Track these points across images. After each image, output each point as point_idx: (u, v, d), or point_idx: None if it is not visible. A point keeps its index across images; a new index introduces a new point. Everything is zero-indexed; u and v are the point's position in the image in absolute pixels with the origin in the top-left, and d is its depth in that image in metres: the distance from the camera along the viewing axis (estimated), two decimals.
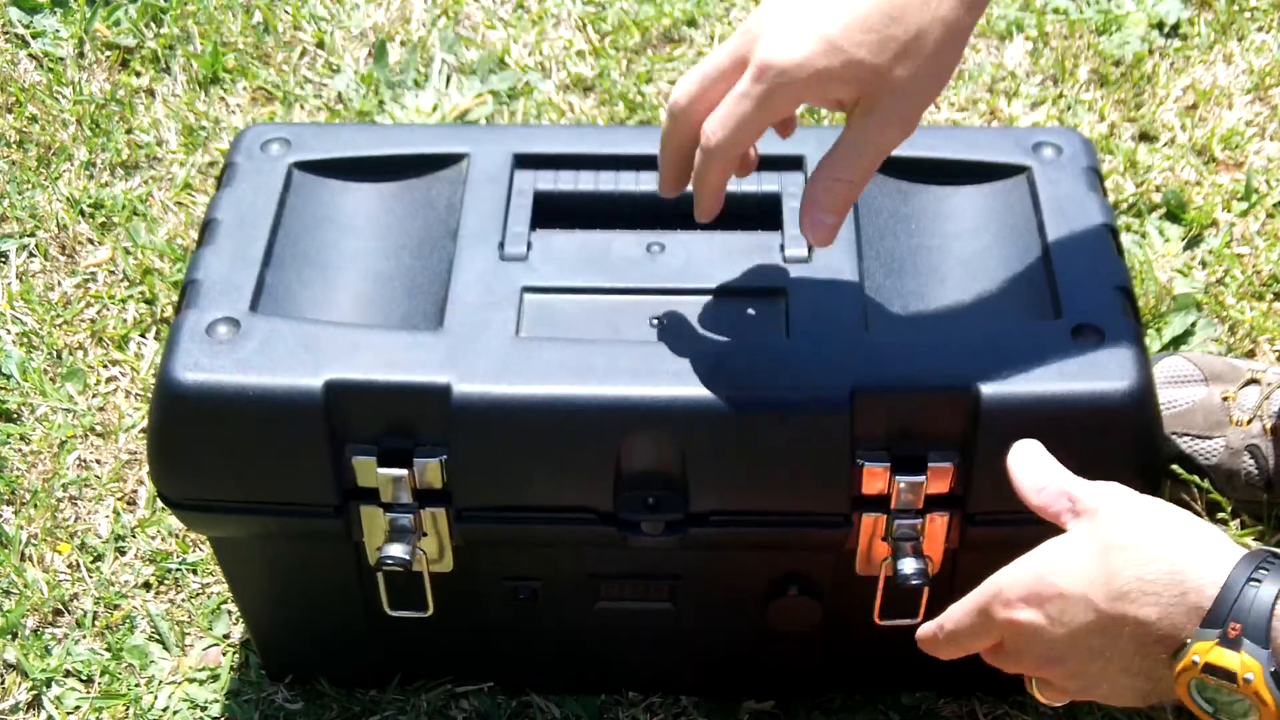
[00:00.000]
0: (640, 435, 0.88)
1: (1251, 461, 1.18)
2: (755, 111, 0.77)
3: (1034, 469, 0.81)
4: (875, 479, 0.88)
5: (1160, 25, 1.64)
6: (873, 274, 0.95)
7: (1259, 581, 0.69)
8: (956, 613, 0.80)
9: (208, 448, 0.90)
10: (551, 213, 0.99)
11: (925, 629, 0.83)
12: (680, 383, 0.87)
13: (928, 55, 0.76)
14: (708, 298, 0.94)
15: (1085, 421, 0.87)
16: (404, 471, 0.88)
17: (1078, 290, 0.92)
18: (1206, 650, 0.69)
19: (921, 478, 0.88)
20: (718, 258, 0.97)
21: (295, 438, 0.88)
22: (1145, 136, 1.54)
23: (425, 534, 0.92)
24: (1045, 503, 0.79)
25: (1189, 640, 0.70)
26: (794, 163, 1.01)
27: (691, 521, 0.91)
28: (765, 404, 0.87)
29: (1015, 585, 0.76)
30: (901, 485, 0.88)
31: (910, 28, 0.75)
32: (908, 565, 0.90)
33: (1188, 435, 1.20)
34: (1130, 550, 0.72)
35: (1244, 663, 0.68)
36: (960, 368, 0.88)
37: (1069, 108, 1.56)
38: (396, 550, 0.91)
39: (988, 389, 0.87)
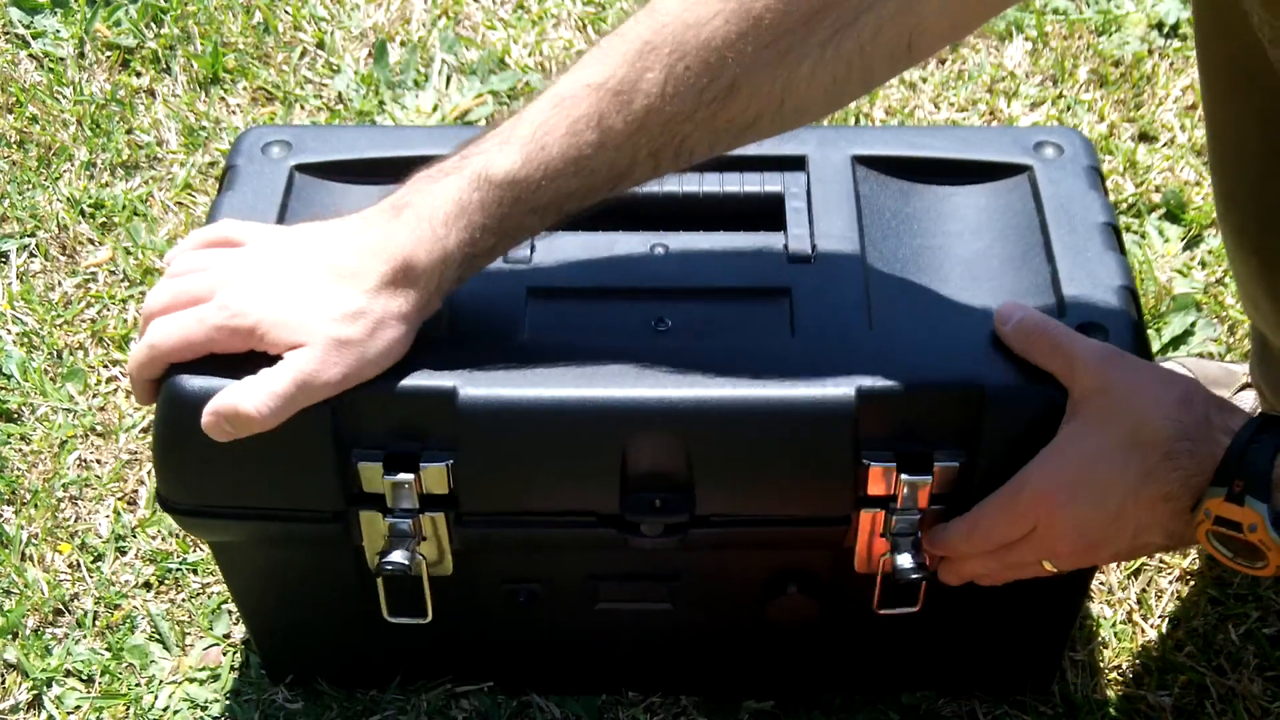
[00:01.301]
0: (647, 437, 0.88)
1: None
2: (203, 338, 0.86)
3: (1021, 319, 0.89)
4: (880, 479, 0.88)
5: (1160, 25, 1.64)
6: (876, 273, 0.95)
7: (1258, 443, 0.79)
8: (986, 514, 0.87)
9: (214, 456, 0.89)
10: None
11: (949, 529, 0.89)
12: (686, 384, 0.87)
13: (367, 327, 0.85)
14: (712, 298, 0.94)
15: None
16: (410, 476, 0.88)
17: (1081, 288, 0.92)
18: (1217, 505, 0.80)
19: (927, 477, 0.88)
20: (721, 258, 0.97)
21: (301, 443, 0.88)
22: (1145, 136, 1.54)
23: (425, 538, 0.92)
24: (1039, 354, 0.87)
25: (1203, 496, 0.80)
26: (796, 163, 1.01)
27: (692, 523, 0.91)
28: (771, 404, 0.87)
29: (1057, 484, 0.84)
30: (906, 486, 0.88)
31: (352, 308, 0.85)
32: (906, 560, 0.91)
33: None
34: (1159, 442, 0.81)
35: (1247, 515, 0.79)
36: (966, 366, 0.88)
37: (1069, 108, 1.56)
38: (397, 556, 0.91)
39: (994, 387, 0.87)
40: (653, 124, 0.83)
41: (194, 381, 0.88)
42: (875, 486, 0.89)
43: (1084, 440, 0.84)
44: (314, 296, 0.85)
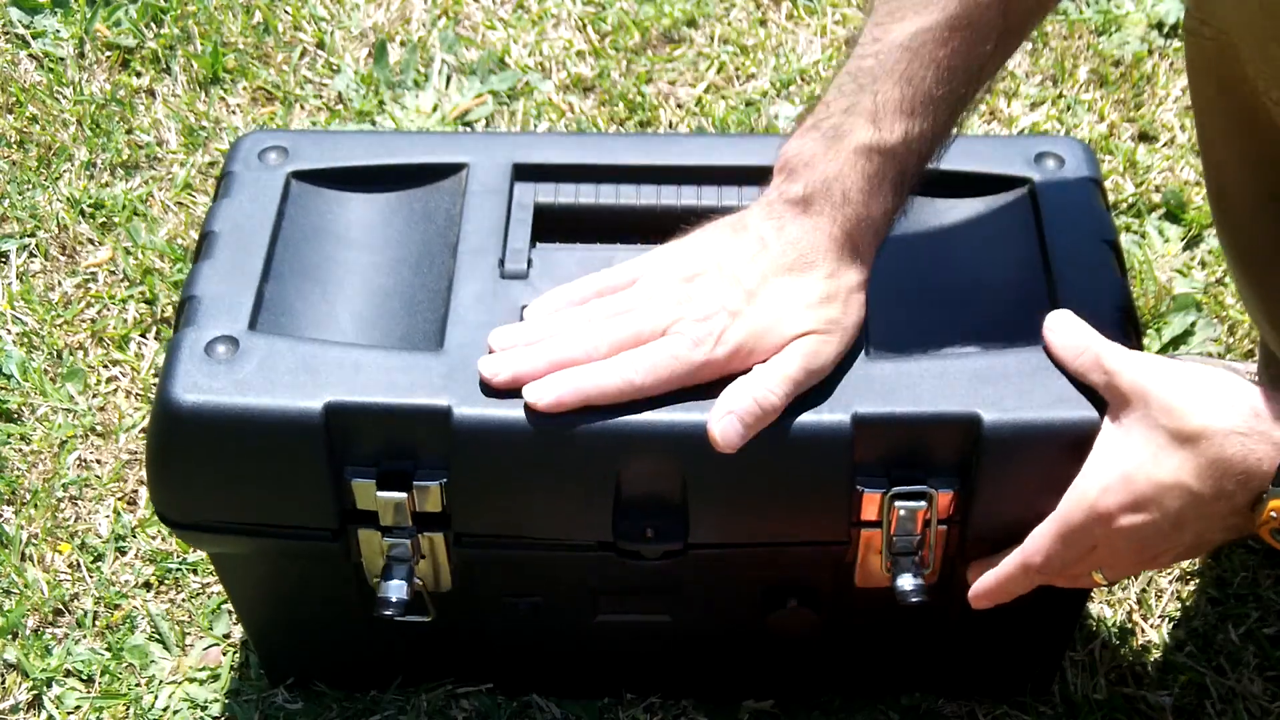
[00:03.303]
0: (641, 461, 0.87)
1: None
2: (685, 373, 0.87)
3: (1067, 333, 0.88)
4: (874, 505, 0.88)
5: (1160, 25, 1.64)
6: (873, 293, 0.94)
7: None
8: (1045, 544, 0.86)
9: (207, 469, 0.89)
10: (552, 226, 0.99)
11: (1004, 570, 0.88)
12: (681, 409, 0.86)
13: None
14: None
15: (1085, 448, 0.85)
16: (403, 495, 0.88)
17: (1079, 311, 0.91)
18: None
19: (922, 504, 0.87)
20: None
21: (295, 460, 0.88)
22: (1145, 136, 1.54)
23: (423, 557, 0.92)
24: (1081, 370, 0.87)
25: (1265, 495, 0.78)
26: None
27: (687, 548, 0.90)
28: (766, 431, 0.86)
29: (1111, 496, 0.82)
30: (902, 512, 0.88)
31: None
32: (907, 581, 0.90)
33: None
34: (1211, 438, 0.79)
35: None
36: (961, 394, 0.87)
37: (1069, 108, 1.56)
38: (394, 592, 0.91)
39: (989, 416, 0.86)
40: (1009, 37, 0.87)
41: (187, 397, 0.87)
42: (869, 512, 0.88)
43: (1135, 451, 0.82)
44: (782, 297, 0.87)
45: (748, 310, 0.86)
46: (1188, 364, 0.84)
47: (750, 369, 0.86)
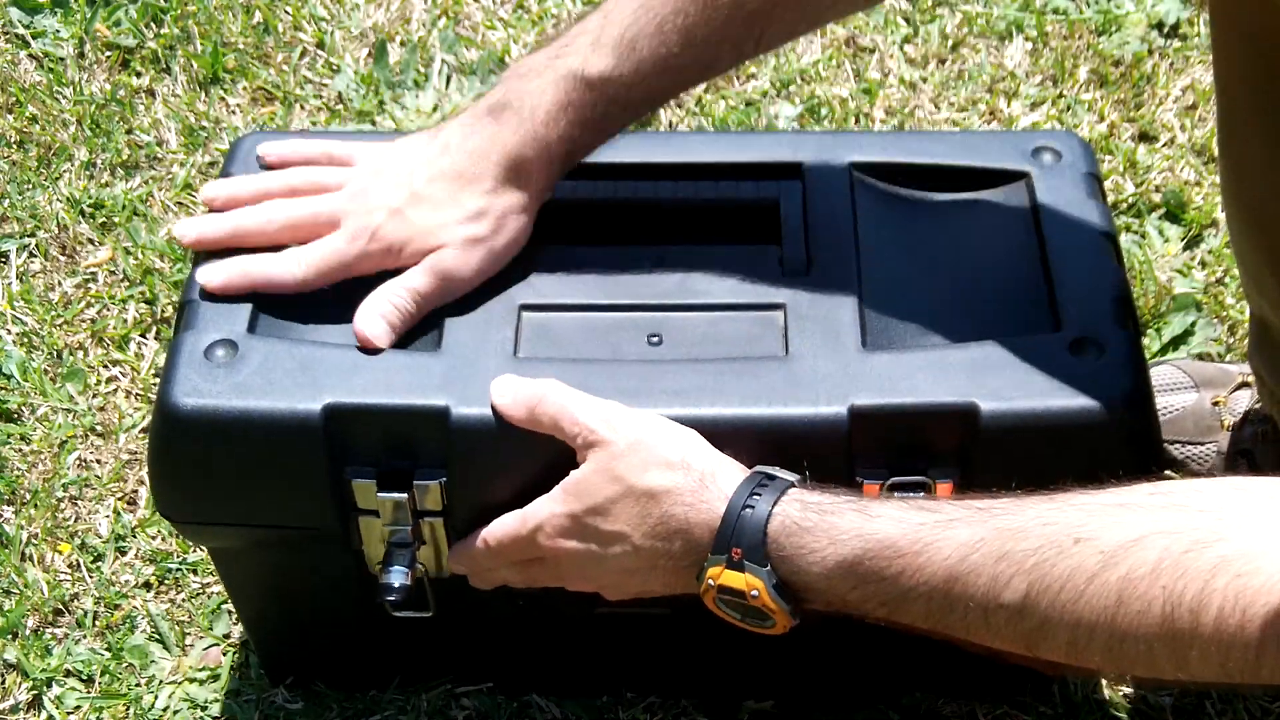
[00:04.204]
0: None
1: (1245, 465, 1.18)
2: (341, 267, 0.94)
3: (516, 388, 0.87)
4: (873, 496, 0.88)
5: (1160, 25, 1.64)
6: (871, 286, 0.94)
7: (753, 506, 0.79)
8: (500, 534, 0.88)
9: (208, 472, 0.90)
10: (549, 225, 0.99)
11: (467, 545, 0.90)
12: (678, 402, 0.87)
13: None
14: (706, 313, 0.94)
15: (1084, 436, 0.86)
16: (404, 495, 0.88)
17: (1077, 302, 0.91)
18: (718, 574, 0.80)
19: (919, 495, 0.87)
20: (716, 271, 0.96)
21: (295, 462, 0.88)
22: (1145, 136, 1.54)
23: (424, 543, 0.92)
24: (539, 421, 0.86)
25: (704, 564, 0.80)
26: (792, 170, 1.01)
27: None
28: (763, 422, 0.87)
29: (560, 531, 0.85)
30: None
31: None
32: None
33: (1179, 442, 1.20)
34: (659, 498, 0.81)
35: (748, 581, 0.79)
36: (959, 384, 0.87)
37: (1069, 108, 1.56)
38: (396, 579, 0.91)
39: (987, 405, 0.86)
40: (735, 20, 0.89)
41: (187, 401, 0.88)
42: None
43: (589, 494, 0.83)
44: (439, 207, 0.92)
45: (408, 213, 0.92)
46: (650, 418, 0.84)
47: (402, 268, 0.92)
